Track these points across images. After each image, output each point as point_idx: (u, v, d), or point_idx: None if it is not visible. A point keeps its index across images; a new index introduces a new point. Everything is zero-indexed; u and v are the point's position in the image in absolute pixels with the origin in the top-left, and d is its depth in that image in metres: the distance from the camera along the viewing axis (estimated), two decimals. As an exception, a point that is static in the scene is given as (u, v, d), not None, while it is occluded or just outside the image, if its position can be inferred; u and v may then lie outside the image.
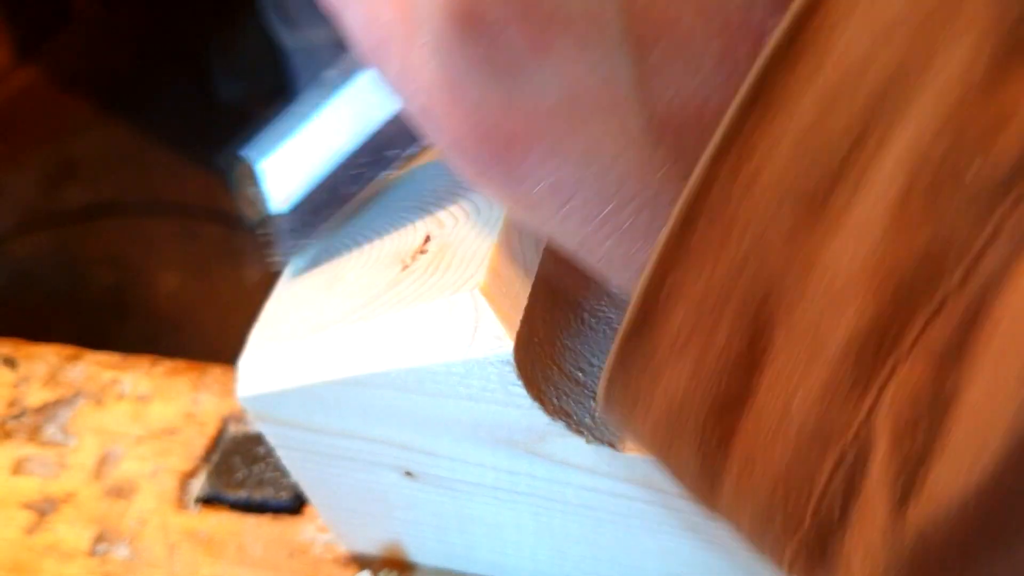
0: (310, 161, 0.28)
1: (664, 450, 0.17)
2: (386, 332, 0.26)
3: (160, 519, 0.39)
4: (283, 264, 0.31)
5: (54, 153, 1.81)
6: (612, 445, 0.26)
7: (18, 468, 0.42)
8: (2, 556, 0.38)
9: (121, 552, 0.38)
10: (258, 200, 0.30)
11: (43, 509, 0.40)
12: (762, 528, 0.16)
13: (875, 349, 0.14)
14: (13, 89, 1.98)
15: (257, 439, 0.41)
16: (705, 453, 0.16)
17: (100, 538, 0.39)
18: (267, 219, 0.30)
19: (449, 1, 0.16)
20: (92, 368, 0.46)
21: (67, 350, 0.47)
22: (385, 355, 0.26)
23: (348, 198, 0.29)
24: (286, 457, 0.32)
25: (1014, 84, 0.13)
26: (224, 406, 0.44)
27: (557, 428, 0.26)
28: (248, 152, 0.30)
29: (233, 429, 0.42)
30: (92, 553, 0.38)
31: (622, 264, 0.18)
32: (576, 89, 0.16)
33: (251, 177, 0.30)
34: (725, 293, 0.15)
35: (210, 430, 0.43)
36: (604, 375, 0.17)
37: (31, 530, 0.39)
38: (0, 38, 1.94)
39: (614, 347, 0.17)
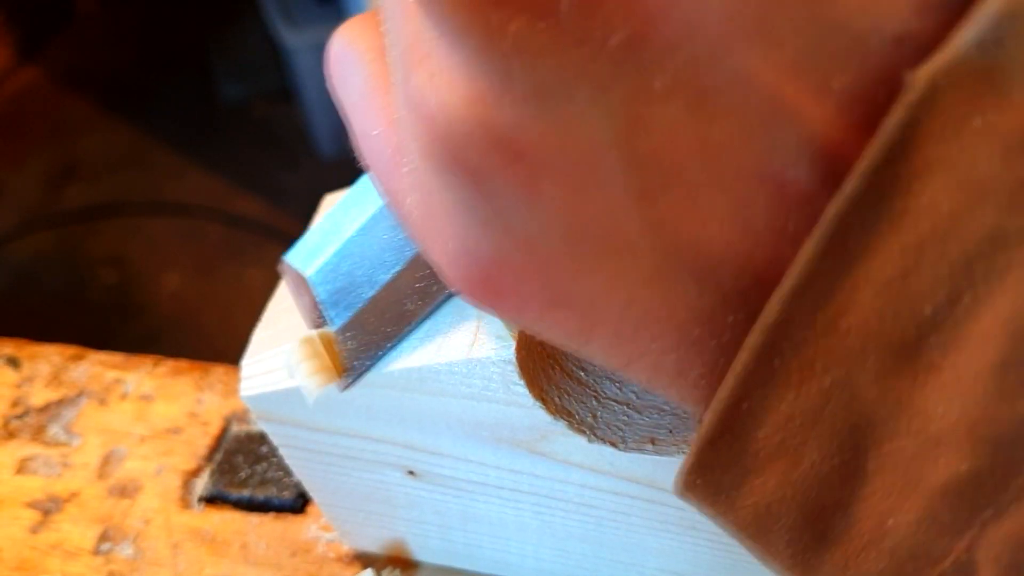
0: (359, 272, 0.25)
1: (752, 538, 0.17)
2: (388, 332, 0.26)
3: (164, 518, 0.39)
4: (349, 385, 0.27)
5: (56, 153, 1.82)
6: (614, 444, 0.26)
7: (22, 467, 0.42)
8: (7, 555, 0.38)
9: (125, 551, 0.38)
10: (310, 313, 0.26)
11: (47, 508, 0.40)
12: None
13: (972, 498, 0.14)
14: (15, 89, 1.98)
15: (260, 438, 0.41)
16: (796, 550, 0.16)
17: (104, 537, 0.39)
18: (324, 334, 0.26)
19: (425, 138, 0.15)
20: (95, 368, 0.46)
21: (70, 350, 0.47)
22: (387, 354, 0.26)
23: (415, 314, 0.25)
24: (289, 456, 0.33)
25: None
26: (227, 405, 0.44)
27: (559, 427, 0.26)
28: (293, 259, 0.26)
29: (236, 428, 0.42)
30: (96, 552, 0.38)
31: (662, 383, 0.17)
32: (574, 233, 0.15)
33: (303, 287, 0.26)
34: (811, 418, 0.15)
35: (213, 429, 0.43)
36: (684, 467, 0.17)
37: (35, 529, 0.39)
38: (1, 39, 1.94)
39: (693, 448, 0.16)
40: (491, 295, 0.17)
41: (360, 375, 0.27)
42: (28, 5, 2.00)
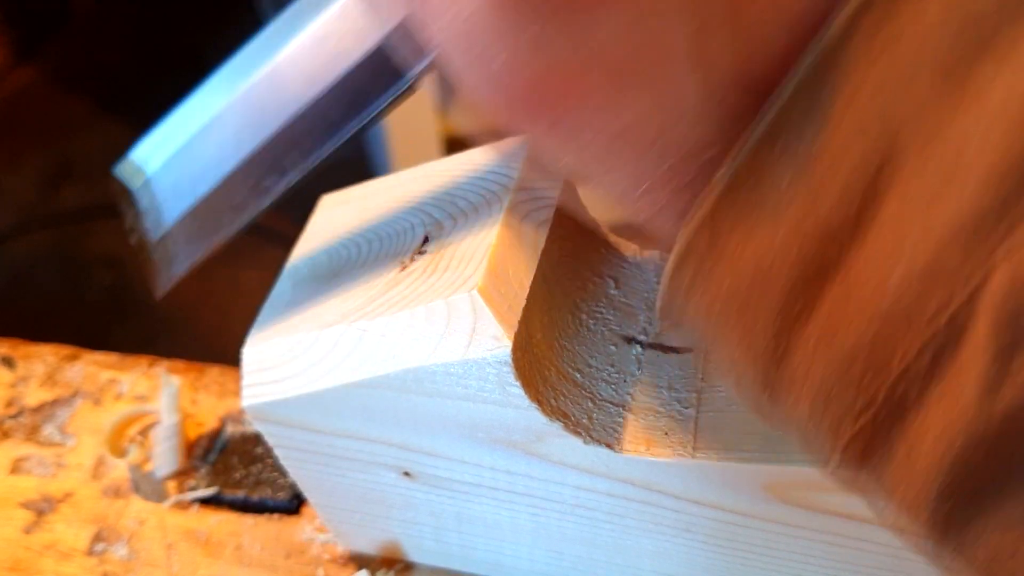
0: (193, 171, 0.26)
1: (734, 318, 0.17)
2: (385, 333, 0.26)
3: (158, 519, 0.39)
4: (165, 288, 0.28)
5: (52, 153, 1.81)
6: (609, 446, 0.26)
7: (16, 467, 0.42)
8: (1, 555, 0.38)
9: (119, 551, 0.38)
10: (137, 215, 0.28)
11: (41, 508, 0.40)
12: (825, 407, 0.16)
13: (988, 232, 0.14)
14: (11, 89, 1.98)
15: (255, 439, 0.41)
16: (783, 320, 0.16)
17: (98, 537, 0.39)
18: (148, 234, 0.28)
19: None
20: (90, 368, 0.46)
21: (65, 350, 0.47)
22: (384, 356, 0.26)
23: (244, 211, 0.27)
24: (284, 457, 0.33)
25: None
26: (222, 406, 0.44)
27: (555, 429, 0.26)
28: (127, 161, 0.28)
29: (231, 429, 0.42)
30: (90, 552, 0.38)
31: (667, 214, 0.18)
32: (634, 47, 0.16)
33: (128, 186, 0.28)
34: (843, 154, 0.15)
35: (208, 430, 0.43)
36: (688, 231, 0.17)
37: (29, 529, 0.39)
38: (-2, 38, 1.92)
39: (708, 202, 0.16)
40: (531, 109, 0.17)
41: (181, 271, 0.28)
42: (25, 5, 1.99)
